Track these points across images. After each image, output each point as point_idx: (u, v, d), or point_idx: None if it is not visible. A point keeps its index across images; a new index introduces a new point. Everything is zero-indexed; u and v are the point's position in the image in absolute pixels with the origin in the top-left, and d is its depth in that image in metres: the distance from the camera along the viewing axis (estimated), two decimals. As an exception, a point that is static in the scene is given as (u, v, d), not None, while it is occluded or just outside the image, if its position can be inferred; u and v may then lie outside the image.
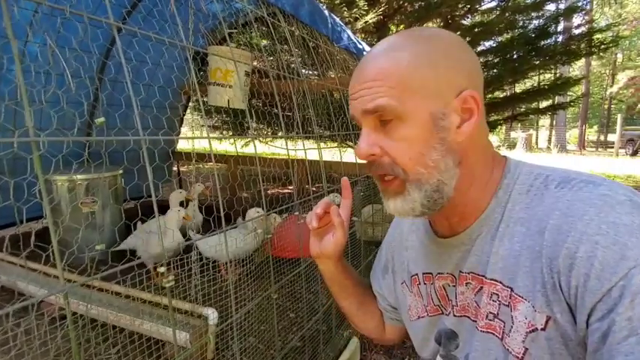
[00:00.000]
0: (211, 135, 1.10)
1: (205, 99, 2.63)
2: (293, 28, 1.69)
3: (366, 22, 3.53)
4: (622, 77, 19.07)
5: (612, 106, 20.89)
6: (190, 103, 4.26)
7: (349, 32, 2.25)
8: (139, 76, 2.79)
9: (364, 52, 2.34)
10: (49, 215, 0.62)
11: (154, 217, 0.77)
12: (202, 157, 3.59)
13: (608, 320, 0.41)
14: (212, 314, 1.41)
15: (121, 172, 2.57)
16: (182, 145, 4.48)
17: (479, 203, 0.55)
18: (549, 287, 0.46)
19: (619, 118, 13.90)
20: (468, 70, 0.52)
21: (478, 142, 0.54)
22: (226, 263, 2.10)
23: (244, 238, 2.00)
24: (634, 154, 12.99)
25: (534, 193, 0.51)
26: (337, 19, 2.18)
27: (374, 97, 0.50)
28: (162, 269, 0.81)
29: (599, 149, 17.40)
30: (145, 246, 2.00)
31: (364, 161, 0.55)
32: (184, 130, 4.95)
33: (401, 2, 4.51)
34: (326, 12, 2.03)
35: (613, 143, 14.67)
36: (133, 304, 1.53)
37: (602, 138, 20.04)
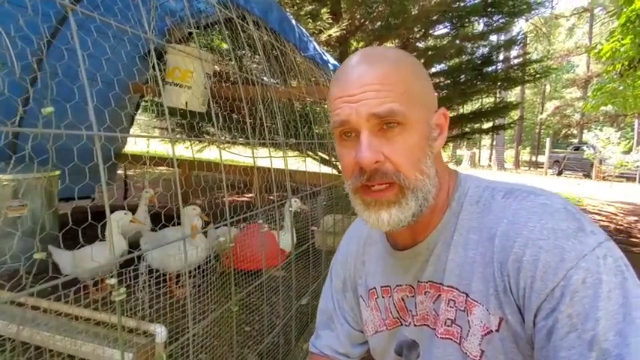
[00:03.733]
0: (167, 137, 1.03)
1: (159, 100, 2.48)
2: (261, 34, 1.66)
3: (329, 35, 3.60)
4: (550, 106, 21.50)
5: (542, 130, 23.36)
6: (142, 103, 4.00)
7: (315, 43, 2.27)
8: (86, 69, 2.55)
9: (329, 64, 2.37)
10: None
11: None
12: (152, 160, 3.36)
13: (552, 318, 0.44)
14: (160, 331, 1.29)
15: (58, 172, 2.31)
16: (129, 147, 4.17)
17: (435, 214, 0.57)
18: (501, 290, 0.49)
19: (547, 141, 15.56)
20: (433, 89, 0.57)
21: (439, 156, 0.57)
22: (178, 276, 1.96)
23: (195, 248, 1.88)
24: (559, 173, 14.59)
25: (483, 204, 0.55)
26: (304, 30, 2.19)
27: (384, 101, 0.49)
28: (112, 281, 0.73)
29: (532, 168, 19.29)
30: (77, 260, 1.79)
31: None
32: (133, 131, 4.63)
33: (363, 20, 4.68)
34: (293, 21, 2.03)
35: (543, 164, 16.33)
36: (65, 321, 1.35)
37: (534, 158, 22.26)
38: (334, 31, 3.50)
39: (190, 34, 3.03)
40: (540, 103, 23.28)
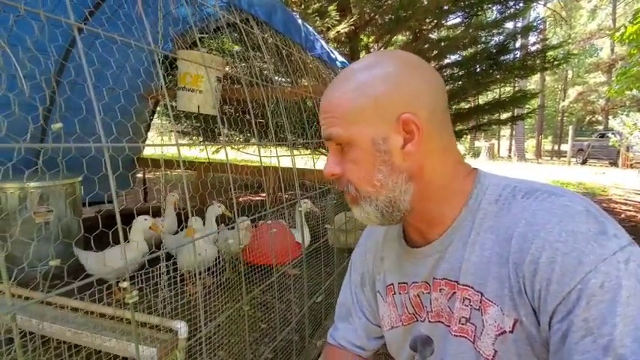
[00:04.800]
0: (181, 141, 1.06)
1: (174, 104, 2.55)
2: (266, 35, 1.68)
3: (337, 32, 3.59)
4: (572, 92, 20.65)
5: (564, 118, 22.50)
6: (158, 108, 4.11)
7: (322, 42, 2.27)
8: (101, 79, 2.66)
9: (337, 62, 2.37)
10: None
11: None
12: (170, 164, 3.46)
13: (567, 322, 0.43)
14: (182, 328, 1.35)
15: (79, 179, 2.42)
16: (149, 152, 4.30)
17: (448, 212, 0.57)
18: (516, 291, 0.49)
19: (570, 129, 14.99)
20: (409, 93, 0.54)
21: (434, 157, 0.56)
22: (194, 276, 2.02)
23: (207, 246, 1.93)
24: (584, 162, 14.04)
25: (503, 203, 0.54)
26: (310, 29, 2.19)
27: (328, 127, 0.57)
28: (124, 284, 0.77)
29: (554, 158, 18.64)
30: (100, 261, 1.88)
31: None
32: (152, 136, 4.77)
33: (372, 15, 4.64)
34: (299, 21, 2.04)
35: (566, 153, 15.75)
36: (93, 319, 1.43)
37: (556, 148, 21.49)
38: (342, 28, 3.48)
39: (201, 39, 3.09)
40: (562, 89, 22.39)
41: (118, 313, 1.42)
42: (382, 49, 4.99)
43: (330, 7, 3.42)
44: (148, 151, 4.23)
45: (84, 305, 1.45)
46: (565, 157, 15.77)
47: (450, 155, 0.59)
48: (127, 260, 0.78)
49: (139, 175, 4.42)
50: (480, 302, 0.53)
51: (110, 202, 3.24)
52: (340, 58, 2.43)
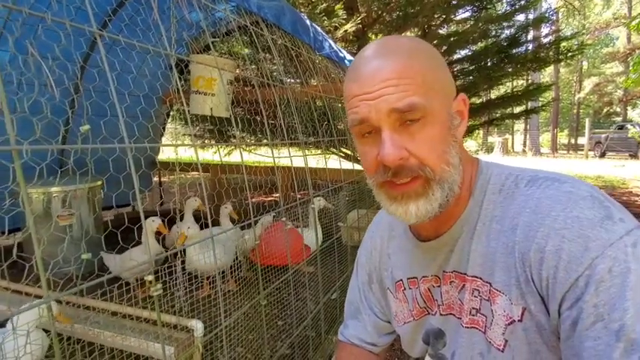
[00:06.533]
0: (195, 143, 1.10)
1: (188, 107, 2.60)
2: (275, 37, 1.71)
3: (345, 31, 3.60)
4: (588, 84, 20.10)
5: (580, 110, 21.92)
6: (172, 112, 4.20)
7: (330, 41, 2.29)
8: (119, 83, 2.74)
9: (345, 61, 2.38)
10: (32, 226, 0.60)
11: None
12: (185, 167, 3.53)
13: (577, 308, 0.43)
14: (198, 326, 1.38)
15: (100, 183, 2.50)
16: (163, 156, 4.39)
17: (461, 202, 0.57)
18: (522, 280, 0.49)
19: (587, 122, 14.59)
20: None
21: (461, 143, 0.56)
22: (208, 277, 2.06)
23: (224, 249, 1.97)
24: (602, 155, 13.65)
25: (506, 192, 0.54)
26: (319, 29, 2.21)
27: (405, 95, 0.47)
28: (149, 277, 0.80)
29: (571, 152, 18.16)
30: (121, 262, 1.95)
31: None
32: (165, 140, 4.86)
33: (380, 12, 4.63)
34: (307, 21, 2.06)
35: (583, 146, 15.34)
36: (114, 319, 1.48)
37: (572, 141, 20.95)
38: (350, 27, 3.49)
39: (213, 43, 3.14)
40: (577, 81, 21.81)
41: (137, 312, 1.46)
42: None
43: (337, 7, 3.43)
44: (162, 156, 4.33)
45: (105, 305, 1.50)
46: (582, 150, 15.35)
47: (463, 145, 0.59)
48: (151, 256, 0.81)
49: (155, 178, 4.52)
50: (489, 292, 0.53)
51: (121, 206, 3.32)
52: (349, 57, 2.44)
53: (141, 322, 1.45)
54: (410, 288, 0.67)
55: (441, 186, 0.50)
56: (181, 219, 2.40)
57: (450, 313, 0.60)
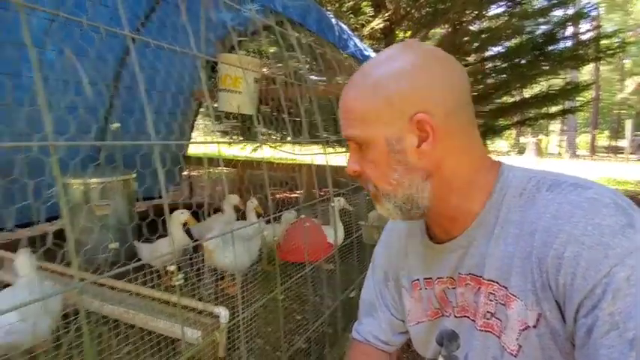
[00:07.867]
0: (221, 140, 1.15)
1: (216, 105, 2.69)
2: (301, 36, 1.73)
3: (372, 28, 3.58)
4: (630, 83, 18.78)
5: (622, 111, 20.54)
6: (201, 109, 4.34)
7: (356, 40, 2.29)
8: (152, 83, 2.87)
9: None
10: (67, 216, 0.65)
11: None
12: (211, 161, 3.65)
13: (592, 316, 0.43)
14: (223, 313, 1.45)
15: (134, 175, 2.63)
16: (191, 150, 4.55)
17: (471, 207, 0.57)
18: (539, 286, 0.49)
19: (629, 123, 13.67)
20: (424, 91, 0.53)
21: (455, 153, 0.55)
22: (232, 275, 2.12)
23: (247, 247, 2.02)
24: (646, 159, 12.78)
25: (527, 196, 0.53)
26: (344, 27, 2.22)
27: (346, 127, 0.59)
28: (172, 268, 0.85)
29: (610, 154, 17.10)
30: (152, 251, 2.07)
31: None
32: (195, 136, 5.04)
33: (408, 9, 4.55)
34: (333, 20, 2.07)
35: (623, 149, 14.40)
36: (145, 302, 1.57)
37: (612, 143, 19.70)
38: (376, 24, 3.47)
39: (240, 42, 3.22)
40: (619, 80, 20.45)
41: (165, 297, 1.55)
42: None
43: (364, 4, 3.42)
44: (190, 150, 4.49)
45: (136, 289, 1.61)
46: (623, 153, 14.42)
47: (473, 150, 0.57)
48: (175, 248, 0.86)
49: (185, 172, 4.70)
50: (505, 297, 0.53)
51: (160, 197, 3.49)
52: (373, 55, 2.43)
53: (168, 306, 1.54)
54: (426, 288, 0.67)
55: (387, 199, 0.58)
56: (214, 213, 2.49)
57: (465, 316, 0.60)
